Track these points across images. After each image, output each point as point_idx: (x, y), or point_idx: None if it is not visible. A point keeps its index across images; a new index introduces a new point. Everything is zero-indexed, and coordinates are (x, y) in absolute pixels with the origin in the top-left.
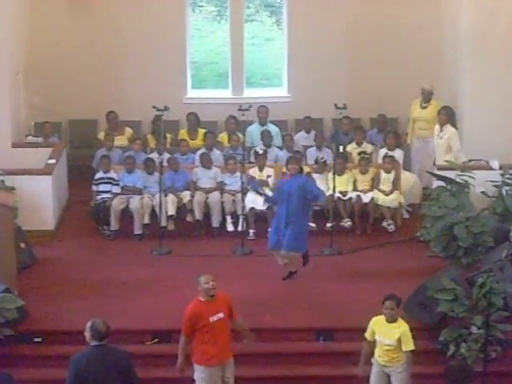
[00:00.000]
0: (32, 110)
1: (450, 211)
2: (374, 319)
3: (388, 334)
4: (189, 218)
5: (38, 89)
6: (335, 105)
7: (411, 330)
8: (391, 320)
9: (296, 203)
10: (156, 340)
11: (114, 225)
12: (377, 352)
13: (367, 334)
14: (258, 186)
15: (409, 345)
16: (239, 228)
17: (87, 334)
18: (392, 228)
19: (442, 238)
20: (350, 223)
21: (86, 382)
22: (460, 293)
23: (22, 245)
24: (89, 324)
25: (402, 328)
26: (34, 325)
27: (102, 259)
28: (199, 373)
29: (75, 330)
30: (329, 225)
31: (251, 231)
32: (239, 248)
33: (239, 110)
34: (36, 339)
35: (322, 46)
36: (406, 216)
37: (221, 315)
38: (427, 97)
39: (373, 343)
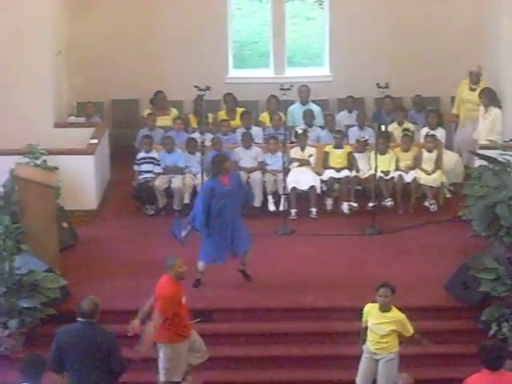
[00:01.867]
0: (74, 90)
1: (492, 190)
2: (368, 306)
3: (380, 324)
4: None
5: (80, 69)
6: (377, 84)
7: (453, 309)
8: (385, 308)
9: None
10: (198, 319)
11: (162, 201)
12: (368, 338)
13: (363, 321)
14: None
15: (408, 331)
16: (281, 208)
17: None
18: (434, 207)
19: (484, 217)
20: (391, 202)
21: (66, 355)
22: (502, 272)
23: (65, 224)
24: None
25: (396, 320)
26: (76, 304)
27: (144, 239)
28: (170, 353)
29: (117, 309)
30: (371, 204)
31: (293, 211)
32: (281, 228)
33: (281, 89)
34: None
35: (363, 25)
36: (448, 195)
37: (185, 296)
38: (476, 78)
39: (365, 329)
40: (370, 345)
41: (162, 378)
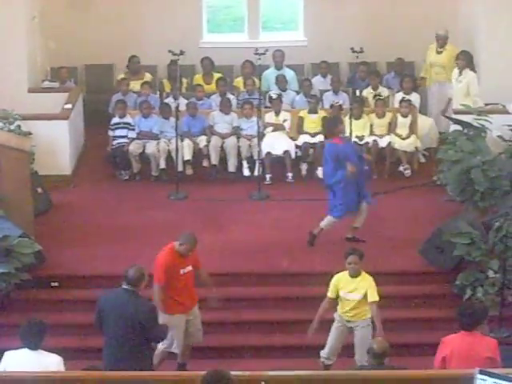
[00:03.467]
0: (48, 54)
1: (466, 155)
2: (337, 276)
3: (353, 289)
4: (205, 163)
5: (54, 34)
6: (352, 48)
7: (428, 273)
8: (355, 274)
9: None
10: None
11: (136, 166)
12: (340, 308)
13: (329, 292)
14: None
15: (373, 296)
16: (255, 173)
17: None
18: (409, 172)
19: (458, 182)
20: (366, 167)
21: (103, 318)
22: (476, 237)
23: (39, 190)
24: None
25: (366, 281)
26: (51, 269)
27: (119, 204)
28: (171, 321)
29: (91, 274)
30: None
31: (267, 176)
32: (255, 193)
33: (255, 54)
34: (53, 284)
35: None
36: (423, 160)
37: (190, 268)
38: (442, 42)
39: (334, 301)
40: (343, 315)
41: (159, 345)
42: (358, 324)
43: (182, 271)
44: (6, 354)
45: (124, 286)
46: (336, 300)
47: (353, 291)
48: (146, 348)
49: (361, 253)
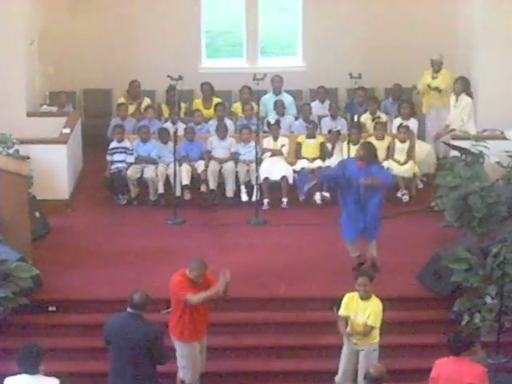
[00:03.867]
0: (46, 79)
1: (464, 181)
2: (348, 295)
3: (362, 311)
4: (203, 188)
5: (53, 58)
6: (350, 74)
7: (425, 299)
8: (365, 296)
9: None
10: (170, 309)
11: (134, 191)
12: (349, 330)
13: (341, 310)
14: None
15: (374, 321)
16: (253, 198)
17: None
18: (406, 198)
19: (456, 207)
20: None
21: (109, 343)
22: (474, 263)
23: (37, 214)
24: None
25: (373, 305)
26: (49, 294)
27: (117, 229)
28: (183, 350)
29: (89, 299)
30: None
31: (265, 201)
32: (253, 218)
33: (254, 79)
34: (50, 308)
35: (336, 16)
36: (421, 186)
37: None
38: (437, 67)
39: (346, 319)
40: (350, 336)
41: (179, 374)
42: (364, 348)
43: (187, 296)
44: (6, 380)
45: (129, 310)
46: (347, 318)
47: (361, 313)
48: (152, 371)
49: (371, 275)
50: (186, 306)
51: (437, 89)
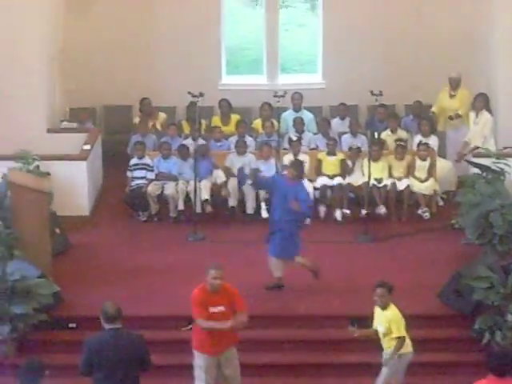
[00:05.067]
0: (67, 95)
1: (485, 198)
2: (376, 307)
3: (380, 321)
4: (231, 202)
5: (73, 75)
6: (371, 91)
7: (446, 317)
8: (383, 307)
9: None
10: (190, 326)
11: (154, 208)
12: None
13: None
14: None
15: (397, 331)
16: None
17: (101, 318)
18: (427, 215)
19: (477, 225)
20: (384, 210)
21: (98, 364)
22: (495, 280)
23: (57, 230)
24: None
25: (392, 315)
26: (69, 310)
27: (137, 245)
28: (196, 359)
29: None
30: (363, 212)
31: None
32: None
33: (274, 96)
34: (70, 325)
35: (356, 32)
36: (441, 203)
37: (221, 308)
38: (455, 84)
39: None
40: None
41: None
42: (383, 355)
43: (211, 309)
44: None
45: (109, 327)
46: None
47: (379, 323)
48: (138, 379)
49: (389, 286)
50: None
51: (458, 116)
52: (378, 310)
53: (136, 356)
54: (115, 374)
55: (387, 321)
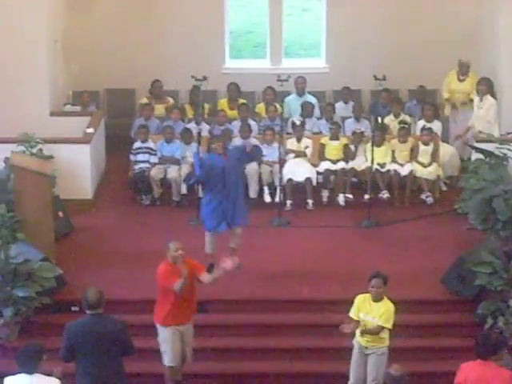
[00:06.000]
0: (70, 78)
1: (488, 184)
2: (359, 297)
3: (373, 313)
4: None
5: (76, 58)
6: (374, 76)
7: (449, 302)
8: (377, 299)
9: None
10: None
11: (157, 191)
12: (359, 332)
13: (351, 313)
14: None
15: (387, 322)
16: (276, 199)
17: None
18: (430, 200)
19: (480, 210)
20: (387, 195)
21: (79, 349)
22: (498, 266)
23: (60, 214)
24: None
25: (386, 307)
26: (72, 294)
27: (140, 229)
28: (161, 334)
29: (112, 299)
30: (366, 197)
31: (288, 202)
32: (276, 219)
33: (278, 80)
34: (73, 308)
35: (360, 16)
36: (444, 188)
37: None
38: (465, 69)
39: (357, 322)
40: (360, 340)
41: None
42: (374, 351)
43: (175, 286)
44: (6, 379)
45: (91, 312)
46: (358, 321)
47: (372, 315)
48: (122, 367)
49: (385, 277)
50: (171, 294)
51: (471, 100)
52: (366, 301)
53: (117, 341)
54: (98, 358)
55: (382, 313)
